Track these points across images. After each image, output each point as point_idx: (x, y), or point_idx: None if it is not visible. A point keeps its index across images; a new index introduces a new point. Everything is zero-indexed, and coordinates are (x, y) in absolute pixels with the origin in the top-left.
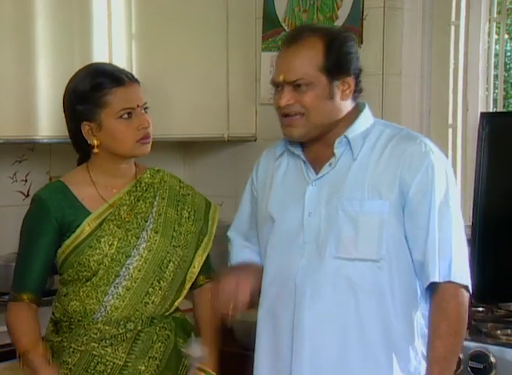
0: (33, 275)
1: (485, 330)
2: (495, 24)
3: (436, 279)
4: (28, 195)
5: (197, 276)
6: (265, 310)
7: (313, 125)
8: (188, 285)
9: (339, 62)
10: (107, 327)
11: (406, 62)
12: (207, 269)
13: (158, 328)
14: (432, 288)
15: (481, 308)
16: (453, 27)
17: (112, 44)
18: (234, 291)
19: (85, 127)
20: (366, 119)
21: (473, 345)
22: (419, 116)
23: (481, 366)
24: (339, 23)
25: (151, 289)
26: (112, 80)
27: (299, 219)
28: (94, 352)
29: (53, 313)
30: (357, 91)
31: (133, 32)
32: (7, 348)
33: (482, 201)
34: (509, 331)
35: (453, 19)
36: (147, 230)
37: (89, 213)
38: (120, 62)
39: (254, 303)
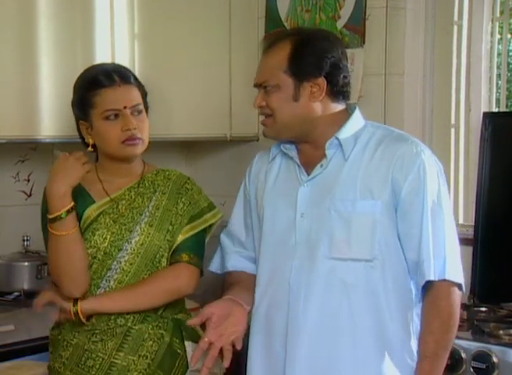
0: None
1: (487, 330)
2: (497, 24)
3: (432, 277)
4: (31, 195)
5: (179, 253)
6: (259, 311)
7: (281, 126)
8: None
9: (305, 64)
10: (98, 321)
11: (408, 62)
12: (189, 247)
13: (150, 326)
14: (426, 287)
15: (483, 309)
16: (455, 27)
17: (115, 44)
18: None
19: (82, 126)
20: (357, 120)
21: (475, 345)
22: (421, 116)
23: (484, 366)
24: (341, 22)
25: None
26: (101, 81)
27: (291, 221)
28: (85, 347)
29: None
30: (338, 91)
31: (136, 32)
32: (10, 348)
33: (485, 201)
34: (511, 331)
35: (455, 18)
36: (140, 224)
37: (94, 202)
38: (123, 62)
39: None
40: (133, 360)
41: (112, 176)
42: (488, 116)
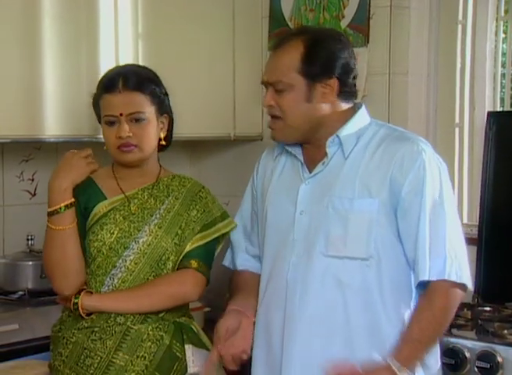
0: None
1: (491, 329)
2: (502, 23)
3: (426, 277)
4: (35, 194)
5: (188, 260)
6: (261, 308)
7: (291, 128)
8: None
9: (318, 65)
10: (98, 318)
11: (412, 61)
12: (199, 254)
13: (150, 327)
14: (425, 286)
15: (487, 308)
16: (460, 26)
17: (119, 43)
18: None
19: (101, 124)
20: (361, 119)
21: (480, 345)
22: (426, 116)
23: (488, 366)
24: (345, 22)
25: None
26: (105, 86)
27: (291, 217)
28: (84, 345)
29: None
30: (347, 91)
31: (140, 31)
32: (14, 347)
33: (489, 200)
34: None
35: (460, 18)
36: (149, 224)
37: (105, 199)
38: (127, 61)
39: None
40: (131, 360)
41: (127, 176)
42: (493, 116)
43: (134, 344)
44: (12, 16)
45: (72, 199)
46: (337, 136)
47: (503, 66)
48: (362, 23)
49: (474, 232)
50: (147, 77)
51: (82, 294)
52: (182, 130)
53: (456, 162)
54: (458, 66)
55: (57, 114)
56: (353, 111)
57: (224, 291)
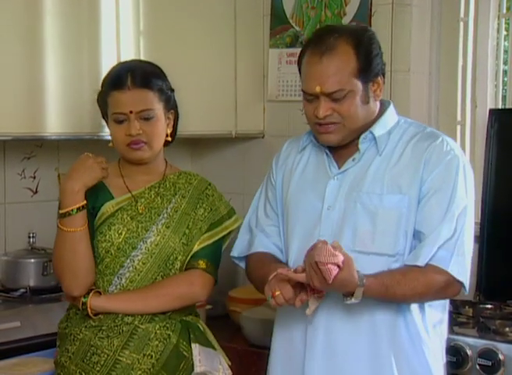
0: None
1: (493, 327)
2: (504, 20)
3: (420, 263)
4: (36, 192)
5: (196, 260)
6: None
7: (350, 131)
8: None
9: (369, 64)
10: (106, 317)
11: (414, 58)
12: (207, 254)
13: (157, 326)
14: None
15: (489, 306)
16: (461, 24)
17: (120, 41)
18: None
19: (107, 122)
20: (391, 116)
21: (481, 342)
22: (427, 113)
23: (490, 363)
24: (346, 19)
25: None
26: (113, 83)
27: (318, 213)
28: (91, 343)
29: None
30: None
31: (141, 29)
32: (16, 344)
33: (491, 198)
34: None
35: (461, 15)
36: (157, 224)
37: (112, 198)
38: (128, 59)
39: None
40: (138, 359)
41: (133, 173)
42: (495, 113)
43: (141, 342)
44: (14, 13)
45: (84, 202)
46: (371, 132)
47: (505, 63)
48: (364, 20)
49: (476, 230)
50: (154, 73)
51: (91, 294)
52: (183, 128)
53: None
54: (460, 63)
55: (58, 111)
56: (382, 108)
57: (226, 289)
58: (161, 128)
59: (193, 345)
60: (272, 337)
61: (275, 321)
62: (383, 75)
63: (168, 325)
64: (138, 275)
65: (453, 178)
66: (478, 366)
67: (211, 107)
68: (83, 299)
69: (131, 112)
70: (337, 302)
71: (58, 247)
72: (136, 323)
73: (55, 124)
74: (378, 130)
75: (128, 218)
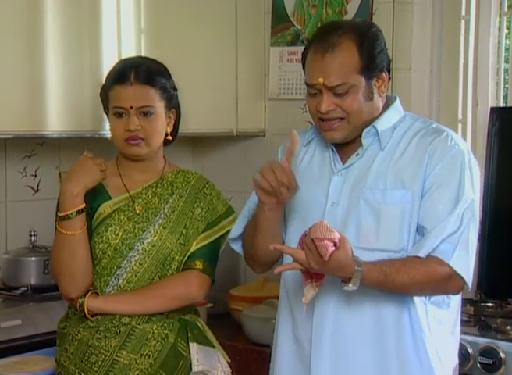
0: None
1: (494, 325)
2: (505, 18)
3: (421, 254)
4: (38, 190)
5: (193, 260)
6: (285, 298)
7: (354, 127)
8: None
9: (373, 61)
10: (103, 318)
11: (415, 57)
12: (204, 255)
13: (155, 326)
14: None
15: (490, 304)
16: (463, 22)
17: (121, 39)
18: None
19: (107, 115)
20: (396, 111)
21: (482, 341)
22: (429, 111)
23: (491, 362)
24: (348, 18)
25: None
26: (116, 77)
27: (322, 209)
28: (89, 343)
29: None
30: (389, 82)
31: (142, 27)
32: (17, 342)
33: (492, 196)
34: None
35: (463, 13)
36: (154, 225)
37: (110, 198)
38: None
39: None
40: (135, 359)
41: (131, 171)
42: (496, 111)
43: (139, 342)
44: (15, 11)
45: (84, 205)
46: (374, 127)
47: (506, 61)
48: (365, 18)
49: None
50: (158, 71)
51: (88, 295)
52: (185, 126)
53: None
54: (461, 61)
55: (60, 110)
56: (387, 103)
57: (227, 287)
58: (161, 126)
59: (190, 344)
60: (275, 335)
61: (277, 319)
62: (388, 71)
63: (165, 324)
64: (135, 276)
65: (459, 173)
66: (479, 365)
67: (212, 105)
68: (80, 300)
69: (131, 107)
70: (342, 299)
71: (56, 249)
72: (133, 323)
73: (56, 122)
74: (382, 124)
75: (125, 219)
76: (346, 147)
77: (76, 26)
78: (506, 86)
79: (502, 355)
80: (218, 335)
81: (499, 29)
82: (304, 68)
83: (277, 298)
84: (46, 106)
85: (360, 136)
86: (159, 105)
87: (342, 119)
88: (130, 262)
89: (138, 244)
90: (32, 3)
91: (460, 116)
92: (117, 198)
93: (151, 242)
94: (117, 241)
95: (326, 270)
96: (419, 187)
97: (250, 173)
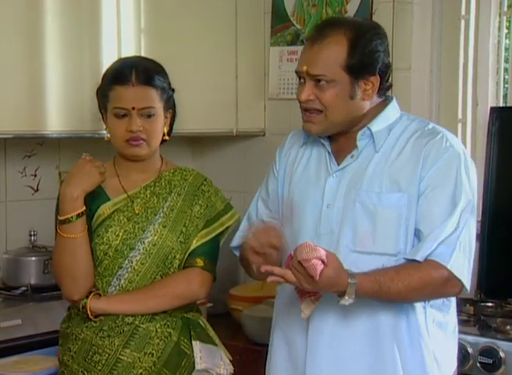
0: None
1: (494, 325)
2: (505, 18)
3: (418, 258)
4: (37, 190)
5: (194, 258)
6: (280, 301)
7: (331, 123)
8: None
9: (363, 62)
10: (106, 318)
11: (415, 56)
12: (204, 252)
13: (158, 325)
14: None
15: (490, 304)
16: (462, 21)
17: (121, 39)
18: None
19: (103, 115)
20: (392, 112)
21: (482, 340)
22: (428, 111)
23: (491, 361)
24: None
25: None
26: (117, 77)
27: (318, 211)
28: (92, 342)
29: None
30: (384, 87)
31: (142, 27)
32: (17, 342)
33: (492, 196)
34: None
35: (462, 13)
36: (154, 224)
37: (108, 199)
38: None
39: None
40: (139, 357)
41: (129, 171)
42: (496, 111)
43: (142, 341)
44: (15, 11)
45: (84, 208)
46: (368, 129)
47: (506, 61)
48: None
49: (477, 228)
50: (158, 71)
51: (90, 296)
52: (184, 126)
53: None
54: (461, 61)
55: (59, 109)
56: (384, 103)
57: (227, 287)
58: (160, 126)
59: (193, 343)
60: (271, 338)
61: (273, 323)
62: (382, 75)
63: (168, 323)
64: (137, 275)
65: (454, 174)
66: (478, 364)
67: (212, 105)
68: (82, 302)
69: (133, 108)
70: (336, 307)
71: (57, 252)
72: (136, 322)
73: (55, 122)
74: (376, 125)
75: (124, 219)
76: (341, 148)
77: (76, 26)
78: (506, 86)
79: (502, 354)
80: (218, 335)
81: (499, 28)
82: None
83: None
84: (46, 106)
85: (356, 137)
86: (159, 106)
87: (320, 111)
88: (131, 262)
89: (139, 244)
90: (32, 3)
91: (459, 116)
92: (116, 199)
93: (151, 241)
94: (117, 241)
95: (319, 288)
96: (415, 190)
97: (250, 173)
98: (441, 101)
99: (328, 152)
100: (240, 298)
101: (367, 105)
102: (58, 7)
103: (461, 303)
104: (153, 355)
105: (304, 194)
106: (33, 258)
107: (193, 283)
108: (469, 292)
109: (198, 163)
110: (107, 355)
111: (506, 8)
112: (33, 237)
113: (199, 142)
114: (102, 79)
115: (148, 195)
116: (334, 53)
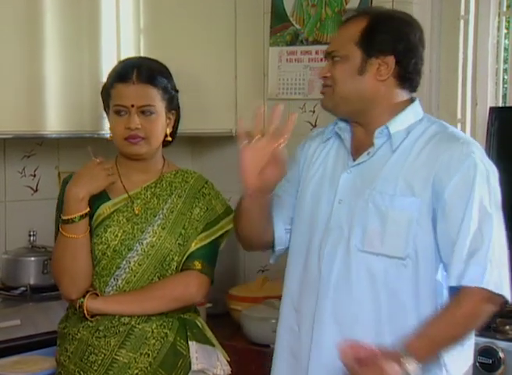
0: None
1: (493, 325)
2: (504, 18)
3: (457, 283)
4: (37, 190)
5: (192, 261)
6: (289, 296)
7: (339, 98)
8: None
9: (376, 39)
10: (103, 318)
11: None
12: (202, 255)
13: (154, 325)
14: (458, 289)
15: None
16: (462, 22)
17: (121, 39)
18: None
19: (107, 114)
20: (413, 113)
21: (481, 340)
22: (428, 111)
23: (490, 361)
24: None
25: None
26: (118, 75)
27: (330, 205)
28: (88, 342)
29: None
30: (406, 77)
31: (142, 27)
32: (17, 342)
33: None
34: None
35: (462, 13)
36: (153, 226)
37: (109, 199)
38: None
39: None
40: (134, 358)
41: (130, 171)
42: (495, 111)
43: (138, 342)
44: (14, 11)
45: (88, 209)
46: (386, 127)
47: (506, 61)
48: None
49: None
50: (160, 71)
51: (87, 296)
52: (184, 126)
53: None
54: (460, 61)
55: (59, 110)
56: (407, 104)
57: (226, 287)
58: (161, 126)
59: (190, 343)
60: (276, 337)
61: (278, 323)
62: (400, 59)
63: (165, 323)
64: (134, 276)
65: (475, 186)
66: (478, 364)
67: (212, 105)
68: (79, 301)
69: (132, 105)
70: (345, 299)
71: (58, 251)
72: (132, 323)
73: (55, 122)
74: (395, 126)
75: (124, 220)
76: (360, 144)
77: (76, 26)
78: (505, 86)
79: (501, 354)
80: (218, 335)
81: (498, 29)
82: None
83: (276, 297)
84: (45, 106)
85: (374, 134)
86: (160, 105)
87: (330, 86)
88: (129, 263)
89: (137, 244)
90: (32, 3)
91: (459, 116)
92: (116, 199)
93: (149, 243)
94: (116, 241)
95: None
96: (429, 196)
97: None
98: (440, 101)
99: (347, 148)
100: (240, 298)
101: (379, 86)
102: (58, 7)
103: None
104: (149, 355)
105: (319, 187)
106: (33, 259)
107: (190, 285)
108: (511, 302)
109: (198, 163)
110: (103, 356)
111: (505, 9)
112: (32, 238)
113: (198, 142)
114: (107, 77)
115: (149, 196)
116: (351, 31)
